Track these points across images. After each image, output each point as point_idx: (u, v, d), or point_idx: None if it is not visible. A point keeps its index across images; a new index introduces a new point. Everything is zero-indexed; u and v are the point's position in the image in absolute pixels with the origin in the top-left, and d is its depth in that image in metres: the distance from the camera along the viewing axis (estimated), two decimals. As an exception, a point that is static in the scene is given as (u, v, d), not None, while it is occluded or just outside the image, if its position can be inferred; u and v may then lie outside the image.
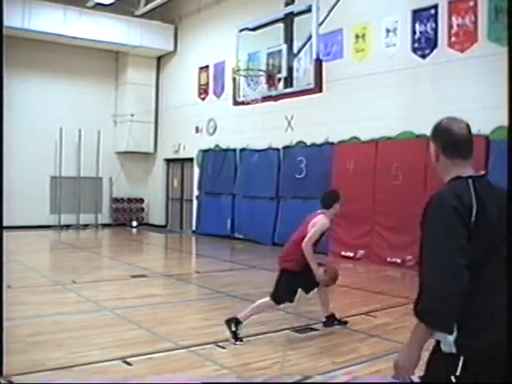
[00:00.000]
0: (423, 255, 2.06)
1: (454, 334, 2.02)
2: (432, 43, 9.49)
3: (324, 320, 5.73)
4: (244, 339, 5.18)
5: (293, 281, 5.33)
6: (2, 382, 3.93)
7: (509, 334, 1.96)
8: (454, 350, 2.03)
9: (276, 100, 7.76)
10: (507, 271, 2.00)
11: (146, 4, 15.50)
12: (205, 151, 14.99)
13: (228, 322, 5.19)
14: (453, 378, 2.01)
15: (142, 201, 17.50)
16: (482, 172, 2.24)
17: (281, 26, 7.58)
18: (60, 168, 15.94)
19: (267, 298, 5.32)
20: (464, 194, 2.07)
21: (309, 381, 4.17)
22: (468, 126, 2.23)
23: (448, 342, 2.04)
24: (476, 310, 2.02)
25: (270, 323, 5.80)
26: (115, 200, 17.04)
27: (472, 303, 2.02)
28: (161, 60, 17.26)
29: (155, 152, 17.36)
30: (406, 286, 8.21)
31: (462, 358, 2.00)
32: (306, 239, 5.35)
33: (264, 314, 6.21)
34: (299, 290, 5.44)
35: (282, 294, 5.29)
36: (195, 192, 15.44)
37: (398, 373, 2.10)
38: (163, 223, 17.10)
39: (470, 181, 2.12)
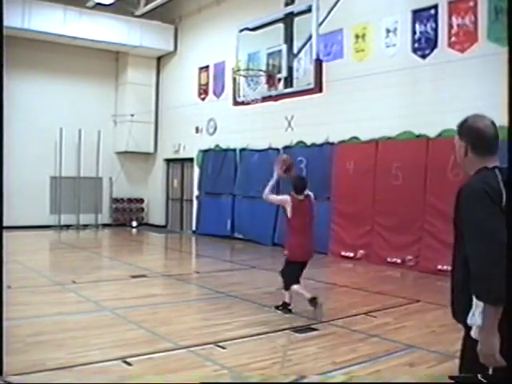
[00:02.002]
0: (467, 244, 2.14)
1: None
2: (432, 43, 9.49)
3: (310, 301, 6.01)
4: (244, 339, 5.19)
5: None
6: (2, 382, 3.92)
7: (509, 333, 1.96)
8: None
9: (276, 100, 7.75)
10: (507, 268, 2.01)
11: (146, 4, 15.49)
12: (205, 151, 14.98)
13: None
14: (480, 376, 2.07)
15: (141, 201, 17.50)
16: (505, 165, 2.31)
17: (281, 26, 7.58)
18: (60, 168, 15.94)
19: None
20: (492, 181, 2.16)
21: (305, 380, 4.17)
22: (493, 123, 2.33)
23: (479, 325, 2.10)
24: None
25: (270, 323, 5.80)
26: (115, 200, 17.04)
27: None
28: (161, 60, 17.26)
29: (155, 152, 17.36)
30: (406, 286, 8.22)
31: None
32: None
33: (264, 313, 6.23)
34: None
35: None
36: (195, 192, 15.44)
37: (486, 361, 2.08)
38: (163, 223, 17.10)
39: (496, 170, 2.22)
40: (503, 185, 2.14)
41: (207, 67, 15.08)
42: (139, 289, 7.68)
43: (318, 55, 6.91)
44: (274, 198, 6.57)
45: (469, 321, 2.16)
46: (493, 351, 2.04)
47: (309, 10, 7.01)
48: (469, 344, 2.20)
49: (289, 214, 6.28)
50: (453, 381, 2.37)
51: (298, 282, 6.18)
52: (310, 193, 6.47)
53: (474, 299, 2.11)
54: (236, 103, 8.06)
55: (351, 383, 4.22)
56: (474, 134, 2.30)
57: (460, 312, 2.23)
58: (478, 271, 2.06)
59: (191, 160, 15.67)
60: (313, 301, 5.94)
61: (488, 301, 2.03)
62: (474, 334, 2.14)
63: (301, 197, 6.33)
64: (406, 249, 9.50)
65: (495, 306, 2.02)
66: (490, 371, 2.06)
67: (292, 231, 6.28)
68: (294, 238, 6.26)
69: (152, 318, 5.94)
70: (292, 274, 6.20)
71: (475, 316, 2.13)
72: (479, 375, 2.07)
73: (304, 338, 5.30)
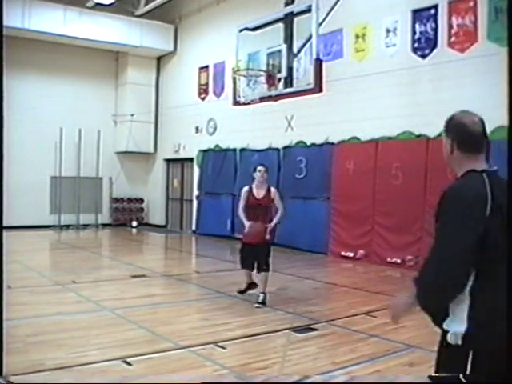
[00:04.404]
0: (433, 245, 2.09)
1: (465, 325, 2.05)
2: (432, 43, 9.49)
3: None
4: (244, 339, 5.19)
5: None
6: (2, 382, 3.92)
7: (508, 334, 1.96)
8: (459, 342, 2.06)
9: (276, 100, 7.75)
10: (507, 270, 2.00)
11: (146, 4, 15.50)
12: (205, 151, 14.98)
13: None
14: (461, 376, 2.03)
15: (141, 201, 17.50)
16: (495, 168, 2.24)
17: (281, 26, 7.57)
18: (60, 168, 15.94)
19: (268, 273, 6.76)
20: (479, 187, 2.07)
21: (308, 381, 4.17)
22: (481, 120, 2.23)
23: (455, 332, 2.07)
24: (489, 306, 2.03)
25: (270, 323, 5.80)
26: (115, 200, 17.04)
27: (485, 298, 2.03)
28: (161, 60, 17.26)
29: (155, 152, 17.36)
30: (406, 286, 8.21)
31: (471, 353, 2.02)
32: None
33: (264, 313, 6.23)
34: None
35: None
36: (195, 192, 15.44)
37: (390, 313, 2.33)
38: (163, 223, 17.10)
39: (484, 174, 2.13)
40: (490, 191, 2.05)
41: (207, 67, 15.08)
42: (139, 289, 7.68)
43: (317, 55, 6.90)
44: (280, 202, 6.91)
45: (445, 325, 2.13)
46: (401, 312, 2.32)
47: (309, 10, 7.00)
48: (444, 349, 2.16)
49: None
50: (430, 381, 2.36)
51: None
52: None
53: (450, 305, 2.11)
54: (236, 103, 8.04)
55: (352, 383, 4.22)
56: (459, 130, 2.21)
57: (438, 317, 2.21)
58: (423, 278, 2.14)
59: (191, 160, 15.66)
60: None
61: (416, 297, 2.18)
62: (449, 339, 2.11)
63: None
64: (406, 249, 9.50)
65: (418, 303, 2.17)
66: (468, 371, 2.03)
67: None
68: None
69: (152, 318, 5.94)
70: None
71: (450, 322, 2.12)
72: (460, 375, 2.04)
73: (304, 337, 5.29)
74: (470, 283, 2.05)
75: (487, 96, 8.16)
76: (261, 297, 6.60)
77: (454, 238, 2.01)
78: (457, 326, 2.08)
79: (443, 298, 2.08)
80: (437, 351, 2.21)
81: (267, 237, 6.63)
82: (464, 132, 2.20)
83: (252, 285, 7.03)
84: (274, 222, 6.70)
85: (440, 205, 2.11)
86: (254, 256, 6.70)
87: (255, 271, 6.81)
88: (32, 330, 5.37)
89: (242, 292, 7.04)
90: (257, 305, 6.51)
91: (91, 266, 9.93)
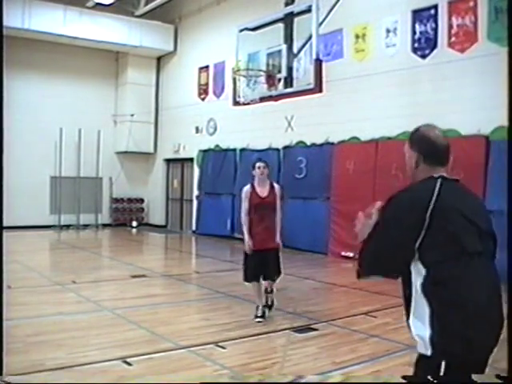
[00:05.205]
0: (373, 234, 2.20)
1: (429, 331, 2.03)
2: (432, 43, 9.49)
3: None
4: (244, 339, 5.19)
5: None
6: (2, 382, 3.92)
7: (509, 336, 1.95)
8: (429, 352, 2.04)
9: (276, 100, 7.74)
10: (507, 268, 2.00)
11: (146, 4, 15.50)
12: (205, 151, 14.98)
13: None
14: (430, 377, 2.02)
15: (142, 201, 17.50)
16: (456, 177, 2.28)
17: (281, 26, 7.57)
18: (60, 168, 15.94)
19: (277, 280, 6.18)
20: (426, 189, 2.13)
21: (303, 380, 4.17)
22: (442, 134, 2.32)
23: (423, 338, 2.05)
24: (447, 308, 2.02)
25: (270, 323, 5.80)
26: (115, 200, 17.04)
27: (441, 301, 2.03)
28: (161, 60, 17.26)
29: (155, 152, 17.36)
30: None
31: (443, 363, 2.00)
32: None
33: (264, 314, 6.22)
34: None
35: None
36: (195, 192, 15.44)
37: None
38: (163, 223, 17.10)
39: (439, 180, 2.17)
40: (438, 193, 2.09)
41: (207, 67, 15.08)
42: (139, 289, 7.68)
43: (317, 55, 6.90)
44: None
45: (411, 322, 2.15)
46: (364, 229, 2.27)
47: (309, 10, 7.00)
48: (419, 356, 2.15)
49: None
50: (405, 381, 2.36)
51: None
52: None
53: (412, 310, 2.12)
54: (236, 103, 8.03)
55: (349, 383, 4.22)
56: (425, 144, 2.26)
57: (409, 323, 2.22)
58: (364, 258, 2.28)
59: (191, 160, 15.66)
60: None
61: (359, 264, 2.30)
62: (418, 347, 2.11)
63: None
64: (406, 249, 9.49)
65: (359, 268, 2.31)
66: (442, 372, 2.02)
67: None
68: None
69: (152, 318, 5.94)
70: None
71: (413, 321, 2.12)
72: (429, 376, 2.03)
73: (304, 337, 5.29)
74: (420, 281, 2.08)
75: (487, 96, 8.17)
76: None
77: (386, 237, 2.13)
78: (421, 329, 2.07)
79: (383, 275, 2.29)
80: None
81: (277, 240, 5.99)
82: (430, 145, 2.26)
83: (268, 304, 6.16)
84: (278, 228, 6.03)
85: (386, 203, 2.22)
86: (264, 265, 5.91)
87: (262, 281, 6.05)
88: (32, 330, 5.37)
89: (261, 317, 5.91)
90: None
91: (91, 266, 9.93)
